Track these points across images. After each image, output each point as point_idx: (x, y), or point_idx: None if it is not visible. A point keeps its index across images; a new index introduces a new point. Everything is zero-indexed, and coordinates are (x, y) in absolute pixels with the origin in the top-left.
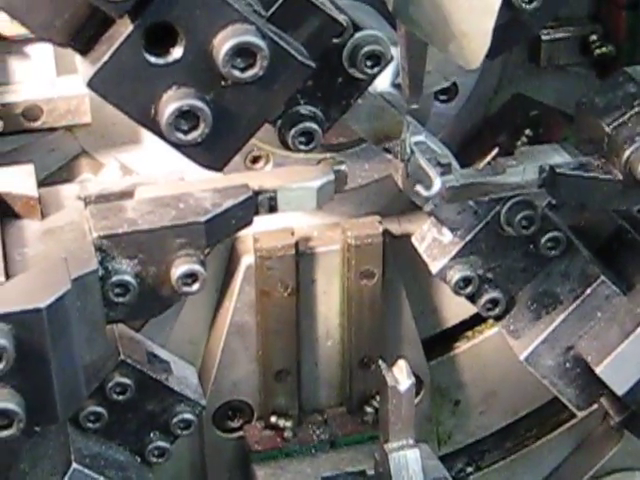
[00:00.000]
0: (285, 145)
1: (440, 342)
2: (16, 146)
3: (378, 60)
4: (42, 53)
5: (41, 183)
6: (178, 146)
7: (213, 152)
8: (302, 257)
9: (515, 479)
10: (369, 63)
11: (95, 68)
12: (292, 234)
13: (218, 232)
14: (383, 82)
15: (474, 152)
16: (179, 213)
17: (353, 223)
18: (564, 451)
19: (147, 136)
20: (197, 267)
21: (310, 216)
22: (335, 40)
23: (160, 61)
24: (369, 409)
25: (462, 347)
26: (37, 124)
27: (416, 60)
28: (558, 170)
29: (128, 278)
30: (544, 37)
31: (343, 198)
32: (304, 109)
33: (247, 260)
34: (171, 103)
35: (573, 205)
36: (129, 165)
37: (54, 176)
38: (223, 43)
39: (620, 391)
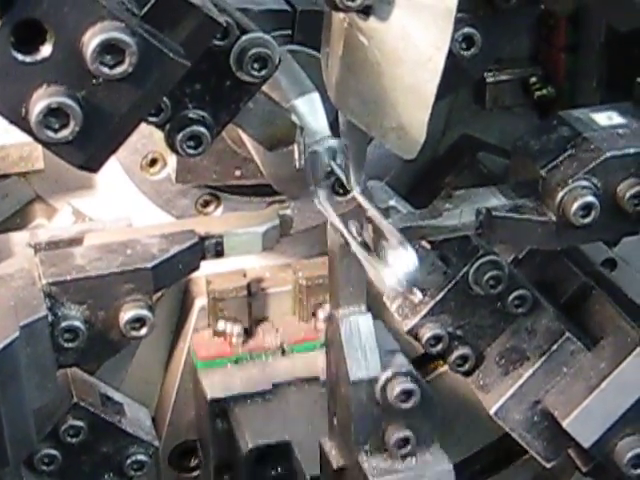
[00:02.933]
0: (173, 149)
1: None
2: None
3: (265, 63)
4: None
5: None
6: (49, 145)
7: (86, 151)
8: (254, 298)
9: None
10: (256, 66)
11: None
12: (244, 276)
13: (165, 277)
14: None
15: (423, 193)
16: (127, 259)
17: (304, 264)
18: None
19: (100, 181)
20: (145, 312)
21: (262, 257)
22: (221, 43)
23: (29, 59)
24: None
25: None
26: None
27: (358, 146)
28: (494, 213)
29: (77, 323)
30: (488, 79)
31: (295, 240)
32: (193, 113)
33: (200, 302)
34: (40, 101)
35: (538, 262)
36: (82, 210)
37: (8, 222)
38: (91, 40)
39: (586, 444)
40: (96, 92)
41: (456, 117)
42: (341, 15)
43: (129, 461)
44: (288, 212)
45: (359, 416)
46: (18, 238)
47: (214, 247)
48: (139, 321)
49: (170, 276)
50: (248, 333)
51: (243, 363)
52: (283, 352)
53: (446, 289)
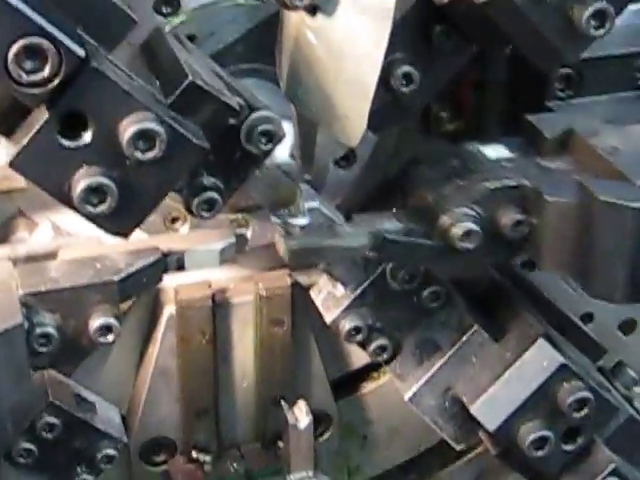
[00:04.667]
0: (189, 212)
1: (348, 382)
2: None
3: (271, 137)
4: None
5: None
6: (89, 217)
7: (120, 222)
8: (218, 307)
9: None
10: (263, 140)
11: (16, 151)
12: (209, 286)
13: (131, 289)
14: (281, 154)
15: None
16: (96, 273)
17: (264, 276)
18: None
19: None
20: (112, 320)
21: (227, 270)
22: (233, 120)
23: (72, 144)
24: (282, 443)
25: (368, 387)
26: None
27: (307, 136)
28: (387, 236)
29: (50, 330)
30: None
31: (257, 254)
32: (206, 180)
33: (169, 310)
34: (81, 180)
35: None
36: (61, 225)
37: None
38: (127, 129)
39: (491, 427)
40: (129, 172)
41: (406, 140)
42: (292, 14)
43: (99, 455)
44: (243, 231)
45: None
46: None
47: (176, 262)
48: (106, 329)
49: (135, 288)
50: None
51: None
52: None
53: (365, 284)
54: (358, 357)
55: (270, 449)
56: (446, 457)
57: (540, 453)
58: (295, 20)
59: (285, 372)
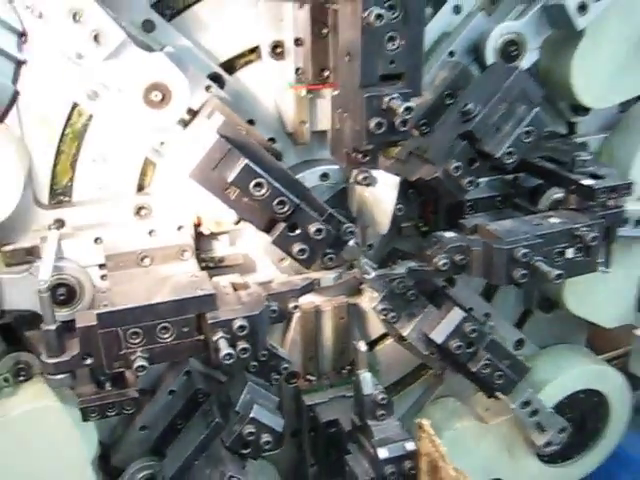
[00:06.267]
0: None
1: (370, 345)
2: None
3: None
4: None
5: None
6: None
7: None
8: (318, 313)
9: (398, 405)
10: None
11: None
12: (314, 303)
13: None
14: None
15: None
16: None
17: (335, 299)
18: (417, 393)
19: None
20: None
21: (318, 296)
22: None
23: None
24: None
25: (379, 346)
26: None
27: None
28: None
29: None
30: None
31: (331, 289)
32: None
33: (297, 315)
34: None
35: None
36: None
37: None
38: None
39: (440, 341)
40: None
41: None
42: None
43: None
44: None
45: None
46: None
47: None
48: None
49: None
50: None
51: None
52: None
53: (385, 292)
54: (376, 331)
55: (341, 374)
56: (408, 381)
57: (459, 351)
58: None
59: (344, 341)
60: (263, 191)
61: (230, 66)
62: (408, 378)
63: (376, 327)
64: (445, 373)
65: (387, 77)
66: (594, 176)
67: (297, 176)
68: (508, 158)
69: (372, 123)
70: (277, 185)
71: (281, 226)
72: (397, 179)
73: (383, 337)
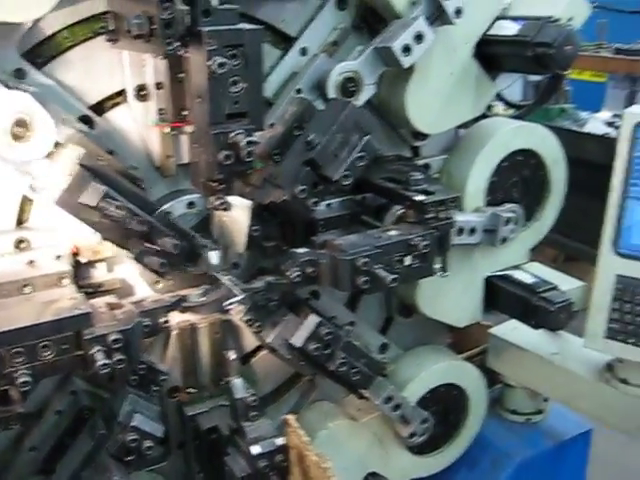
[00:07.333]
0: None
1: (245, 358)
2: None
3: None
4: None
5: None
6: None
7: None
8: (193, 329)
9: (278, 412)
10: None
11: None
12: (190, 321)
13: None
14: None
15: None
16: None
17: (208, 316)
18: (294, 400)
19: None
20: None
21: (191, 315)
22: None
23: None
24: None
25: (255, 358)
26: None
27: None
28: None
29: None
30: None
31: (203, 307)
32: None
33: (174, 331)
34: None
35: None
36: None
37: None
38: None
39: (298, 344)
40: None
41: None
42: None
43: None
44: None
45: None
46: None
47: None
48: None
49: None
50: None
51: None
52: None
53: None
54: (250, 344)
55: (219, 385)
56: (288, 386)
57: (317, 353)
58: (219, 213)
59: (221, 355)
60: (123, 213)
61: (100, 108)
62: (284, 386)
63: (250, 340)
64: (317, 378)
65: (233, 115)
66: (426, 192)
67: (166, 205)
68: (345, 180)
69: (221, 156)
70: (133, 207)
71: (140, 243)
72: (249, 202)
73: (257, 349)
